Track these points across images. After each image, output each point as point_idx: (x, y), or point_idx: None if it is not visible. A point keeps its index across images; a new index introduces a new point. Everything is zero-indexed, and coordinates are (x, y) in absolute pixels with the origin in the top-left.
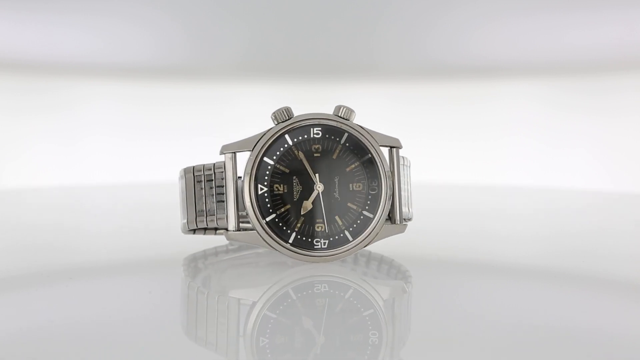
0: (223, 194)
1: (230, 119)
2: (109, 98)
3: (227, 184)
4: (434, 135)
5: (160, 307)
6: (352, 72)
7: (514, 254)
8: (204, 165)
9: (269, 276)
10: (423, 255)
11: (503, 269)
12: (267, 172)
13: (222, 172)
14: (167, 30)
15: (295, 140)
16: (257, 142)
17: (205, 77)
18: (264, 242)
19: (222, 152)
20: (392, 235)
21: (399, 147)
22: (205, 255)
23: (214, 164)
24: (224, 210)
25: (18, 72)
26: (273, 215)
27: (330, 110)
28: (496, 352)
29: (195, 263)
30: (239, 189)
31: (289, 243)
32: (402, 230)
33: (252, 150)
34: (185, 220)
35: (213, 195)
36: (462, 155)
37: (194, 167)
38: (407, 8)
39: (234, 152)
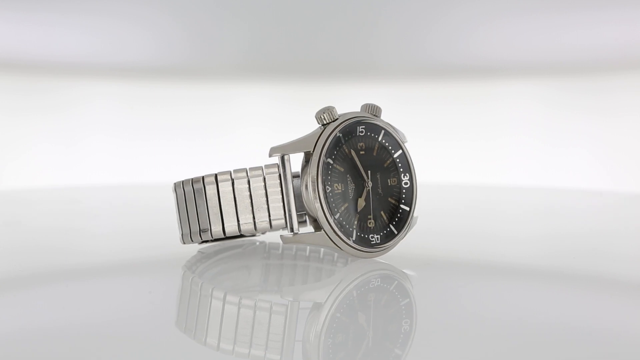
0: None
1: (230, 119)
2: (109, 98)
3: (285, 186)
4: (434, 135)
5: (164, 305)
6: (352, 72)
7: (513, 254)
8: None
9: (308, 277)
10: (423, 255)
11: (503, 269)
12: (329, 172)
13: (277, 174)
14: (167, 31)
15: (346, 139)
16: (317, 142)
17: (205, 77)
18: (331, 242)
19: (274, 154)
20: (414, 226)
21: (405, 141)
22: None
23: (248, 168)
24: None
25: (18, 72)
26: (337, 215)
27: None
28: (497, 351)
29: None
30: (296, 190)
31: (352, 241)
32: (416, 222)
33: (314, 151)
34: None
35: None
36: (462, 155)
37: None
38: (406, 8)
39: (287, 154)
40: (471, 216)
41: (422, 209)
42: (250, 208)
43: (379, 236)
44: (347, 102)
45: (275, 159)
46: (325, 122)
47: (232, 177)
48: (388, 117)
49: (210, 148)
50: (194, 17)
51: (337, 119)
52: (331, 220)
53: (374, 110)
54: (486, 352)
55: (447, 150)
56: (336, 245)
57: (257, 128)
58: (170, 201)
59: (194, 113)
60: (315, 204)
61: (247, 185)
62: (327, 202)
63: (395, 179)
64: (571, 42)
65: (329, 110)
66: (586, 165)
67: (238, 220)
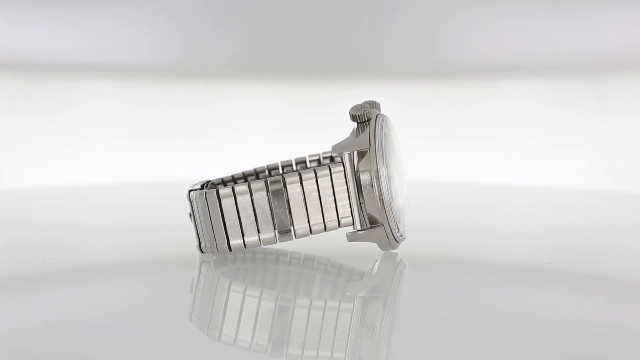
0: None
1: (230, 119)
2: (109, 98)
3: (349, 184)
4: (434, 135)
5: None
6: (352, 72)
7: (513, 252)
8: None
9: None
10: (424, 253)
11: (503, 267)
12: None
13: (342, 172)
14: (167, 31)
15: (379, 135)
16: (370, 139)
17: (206, 77)
18: (385, 236)
19: (339, 152)
20: None
21: None
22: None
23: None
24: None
25: (18, 72)
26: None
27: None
28: (496, 349)
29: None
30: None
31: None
32: None
33: (370, 148)
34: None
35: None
36: (462, 155)
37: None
38: (408, 9)
39: (348, 153)
40: (471, 215)
41: (422, 208)
42: (320, 208)
43: (402, 226)
44: (347, 102)
45: (347, 157)
46: (363, 120)
47: (301, 179)
48: (388, 117)
49: (210, 148)
50: (194, 17)
51: (370, 117)
52: (389, 216)
53: (377, 105)
54: (484, 349)
55: (448, 150)
56: (387, 238)
57: (257, 128)
58: (169, 201)
59: (194, 113)
60: (378, 199)
61: (316, 186)
62: (387, 199)
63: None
64: (572, 42)
65: (366, 108)
66: (586, 165)
67: (309, 222)
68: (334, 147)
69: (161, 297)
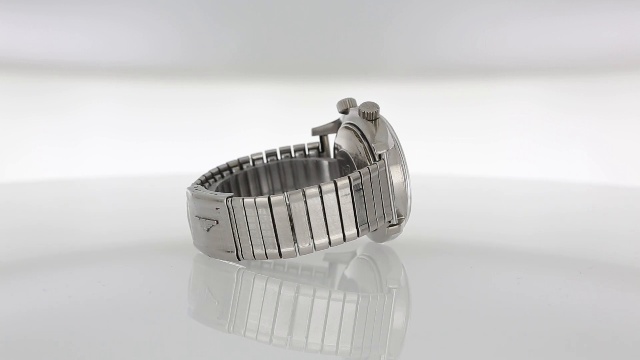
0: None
1: (229, 120)
2: (109, 98)
3: (389, 180)
4: (434, 135)
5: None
6: (352, 72)
7: (513, 250)
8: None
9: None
10: (424, 251)
11: (502, 265)
12: None
13: (384, 169)
14: (167, 31)
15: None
16: (394, 138)
17: (205, 77)
18: (402, 228)
19: (383, 150)
20: None
21: None
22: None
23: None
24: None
25: (19, 73)
26: None
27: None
28: (495, 341)
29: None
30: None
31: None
32: None
33: (395, 145)
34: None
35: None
36: (462, 155)
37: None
38: (408, 10)
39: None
40: (471, 214)
41: (421, 207)
42: (373, 205)
43: None
44: None
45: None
46: (372, 118)
47: (351, 179)
48: (388, 117)
49: (210, 148)
50: (194, 18)
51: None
52: (410, 209)
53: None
54: (484, 342)
55: (447, 150)
56: (400, 229)
57: (257, 129)
58: (169, 200)
59: (194, 113)
60: (407, 194)
61: (370, 183)
62: (409, 193)
63: None
64: (571, 42)
65: (375, 106)
66: (586, 165)
67: (368, 221)
68: (379, 146)
69: (162, 296)
